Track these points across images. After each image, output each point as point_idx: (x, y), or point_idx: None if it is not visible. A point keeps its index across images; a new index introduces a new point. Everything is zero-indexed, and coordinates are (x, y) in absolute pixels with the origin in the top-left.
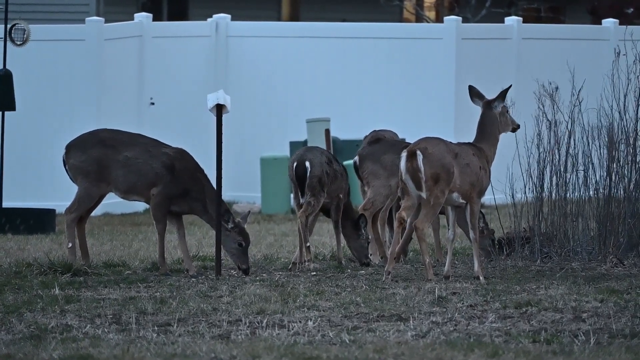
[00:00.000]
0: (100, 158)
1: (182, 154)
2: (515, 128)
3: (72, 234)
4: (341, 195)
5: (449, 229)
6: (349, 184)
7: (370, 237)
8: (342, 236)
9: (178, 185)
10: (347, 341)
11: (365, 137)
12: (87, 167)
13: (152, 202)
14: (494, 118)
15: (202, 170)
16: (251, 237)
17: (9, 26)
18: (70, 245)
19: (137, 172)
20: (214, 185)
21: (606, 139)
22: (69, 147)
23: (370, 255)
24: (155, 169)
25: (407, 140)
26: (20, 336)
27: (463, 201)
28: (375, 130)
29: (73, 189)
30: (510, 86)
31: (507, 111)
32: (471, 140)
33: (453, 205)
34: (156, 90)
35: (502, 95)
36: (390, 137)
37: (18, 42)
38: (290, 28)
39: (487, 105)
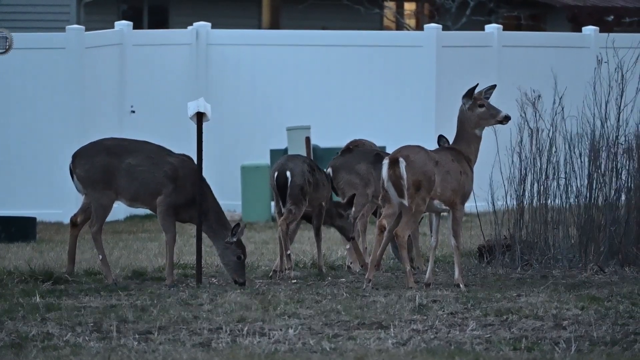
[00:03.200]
0: (105, 166)
1: (184, 163)
2: (501, 120)
3: (99, 246)
4: (323, 203)
5: (432, 236)
6: (331, 191)
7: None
8: (321, 242)
9: (181, 194)
10: (328, 349)
11: (345, 146)
12: (93, 176)
13: (158, 211)
14: (461, 115)
15: (204, 179)
16: None
17: None
18: (101, 257)
19: (140, 180)
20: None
21: (587, 147)
22: (75, 157)
23: (351, 263)
24: (157, 178)
25: (387, 148)
26: (1, 344)
27: (446, 208)
28: (355, 140)
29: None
30: (477, 85)
31: (483, 105)
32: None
33: (436, 212)
34: (137, 98)
35: (467, 92)
36: (368, 145)
37: (0, 50)
38: (271, 36)
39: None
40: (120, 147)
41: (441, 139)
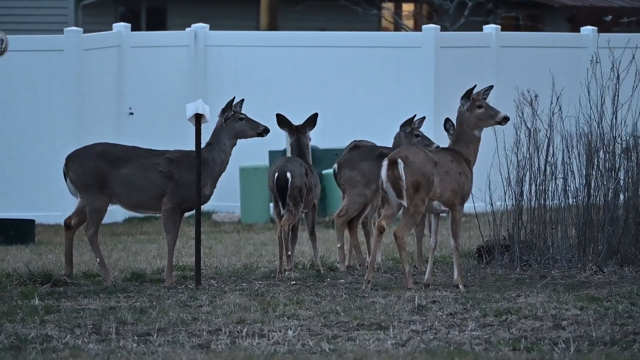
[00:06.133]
0: (97, 172)
1: (173, 156)
2: (499, 121)
3: (97, 249)
4: (315, 202)
5: (430, 237)
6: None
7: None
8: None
9: (184, 185)
10: (327, 350)
11: (347, 147)
12: (86, 181)
13: (163, 209)
14: (460, 116)
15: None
16: (231, 246)
17: None
18: (98, 260)
19: (139, 189)
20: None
21: (585, 147)
22: (68, 159)
23: (338, 263)
24: (155, 181)
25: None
26: (0, 347)
27: (445, 209)
28: (355, 141)
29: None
30: (475, 86)
31: (482, 106)
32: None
33: (435, 213)
34: (135, 100)
35: (465, 94)
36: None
37: None
38: (269, 37)
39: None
40: (112, 154)
41: (447, 122)
